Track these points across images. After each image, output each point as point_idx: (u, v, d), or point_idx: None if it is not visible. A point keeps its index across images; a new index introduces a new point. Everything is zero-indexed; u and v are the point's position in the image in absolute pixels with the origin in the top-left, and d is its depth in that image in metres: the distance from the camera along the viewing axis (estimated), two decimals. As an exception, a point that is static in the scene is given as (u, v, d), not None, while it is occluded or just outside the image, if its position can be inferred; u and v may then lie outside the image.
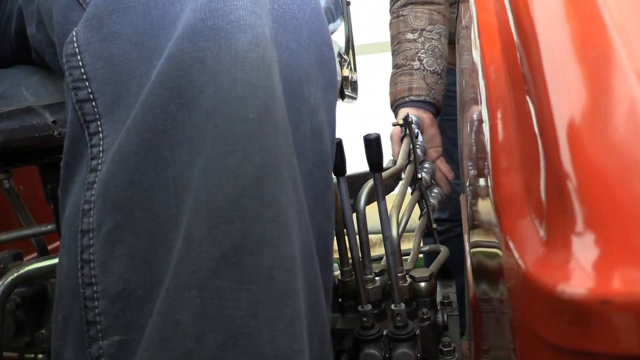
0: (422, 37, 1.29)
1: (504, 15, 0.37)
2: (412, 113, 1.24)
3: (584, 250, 0.21)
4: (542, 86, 0.29)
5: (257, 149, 0.37)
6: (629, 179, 0.21)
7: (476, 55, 0.40)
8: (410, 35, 1.30)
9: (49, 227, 0.82)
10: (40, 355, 0.82)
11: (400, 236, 0.95)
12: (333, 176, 0.77)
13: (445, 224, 1.75)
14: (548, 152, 0.27)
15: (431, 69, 1.27)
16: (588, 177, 0.23)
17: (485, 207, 0.37)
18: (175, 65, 0.40)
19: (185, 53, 0.40)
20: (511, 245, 0.27)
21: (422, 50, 1.28)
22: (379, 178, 0.72)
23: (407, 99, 1.27)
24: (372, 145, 0.70)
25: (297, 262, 0.38)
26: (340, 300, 0.91)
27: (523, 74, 0.32)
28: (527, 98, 0.31)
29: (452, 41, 1.56)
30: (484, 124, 0.35)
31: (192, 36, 0.40)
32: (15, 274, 0.67)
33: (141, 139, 0.40)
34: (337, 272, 0.96)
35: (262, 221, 0.36)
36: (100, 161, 0.42)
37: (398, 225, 0.85)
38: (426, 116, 1.28)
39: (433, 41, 1.29)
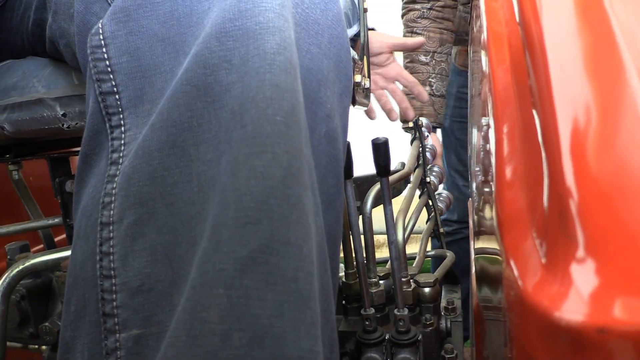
0: (434, 61, 1.39)
1: (514, 26, 0.36)
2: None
3: (584, 276, 0.20)
4: (549, 101, 0.28)
5: (284, 150, 0.37)
6: (634, 204, 0.20)
7: (485, 66, 0.39)
8: (423, 58, 1.40)
9: (57, 220, 0.82)
10: (43, 347, 0.82)
11: (406, 240, 0.94)
12: (340, 179, 0.77)
13: (453, 225, 1.75)
14: (552, 169, 0.26)
15: (439, 93, 1.40)
16: (591, 199, 0.22)
17: (489, 216, 0.37)
18: (202, 63, 0.40)
19: (212, 52, 0.40)
20: (512, 264, 0.26)
21: (433, 75, 1.39)
22: (386, 182, 0.72)
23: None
24: (380, 149, 0.69)
25: (315, 264, 0.39)
26: (343, 302, 0.90)
27: (530, 86, 0.31)
28: (534, 112, 0.30)
29: (464, 42, 1.56)
30: (490, 136, 0.35)
31: (220, 35, 0.40)
32: (21, 267, 0.67)
33: (166, 135, 0.40)
34: (342, 274, 0.96)
35: (287, 222, 0.36)
36: (121, 154, 0.43)
37: (404, 229, 0.85)
38: (434, 137, 1.37)
39: (442, 63, 1.40)
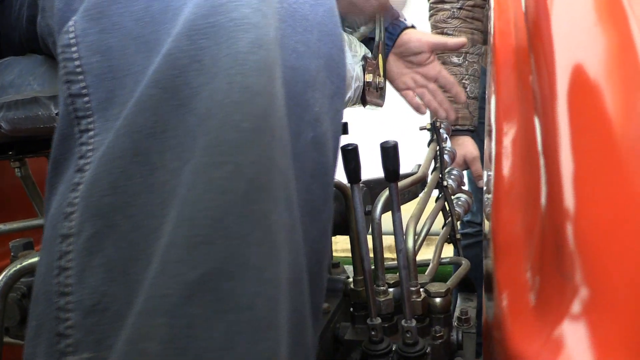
0: (466, 61, 1.35)
1: (522, 30, 0.32)
2: (457, 141, 1.31)
3: (573, 327, 0.17)
4: (552, 120, 0.25)
5: (249, 161, 0.34)
6: (633, 252, 0.17)
7: (491, 70, 0.36)
8: (455, 59, 1.35)
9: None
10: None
11: (419, 247, 0.91)
12: (346, 185, 0.74)
13: (477, 227, 1.70)
14: (551, 193, 0.23)
15: (473, 95, 1.36)
16: (592, 234, 0.19)
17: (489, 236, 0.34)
18: (171, 63, 0.37)
19: (183, 51, 0.37)
20: (502, 300, 0.23)
21: (467, 76, 1.35)
22: (395, 188, 0.68)
23: (452, 127, 1.31)
24: (389, 153, 0.66)
25: (282, 288, 0.35)
26: (351, 309, 0.87)
27: (534, 95, 0.28)
28: (536, 121, 0.27)
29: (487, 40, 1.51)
30: (492, 147, 0.31)
31: (192, 33, 0.37)
32: (18, 266, 0.66)
33: (130, 141, 0.38)
34: (351, 279, 0.93)
35: (247, 242, 0.33)
36: (88, 161, 0.40)
37: (415, 236, 0.81)
38: (470, 142, 1.35)
39: (474, 64, 1.36)
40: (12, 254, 0.81)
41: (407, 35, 1.04)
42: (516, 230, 0.25)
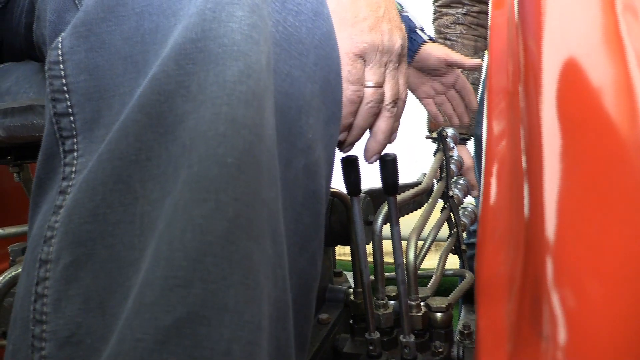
0: (467, 70, 1.30)
1: (516, 47, 0.31)
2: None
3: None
4: (538, 160, 0.23)
5: (231, 198, 0.32)
6: (625, 323, 0.16)
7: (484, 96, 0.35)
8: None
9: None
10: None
11: (421, 261, 0.89)
12: (347, 196, 0.72)
13: (483, 238, 1.68)
14: (531, 241, 0.22)
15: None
16: (571, 305, 0.17)
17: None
18: (157, 88, 0.36)
19: (169, 76, 0.36)
20: (481, 348, 0.22)
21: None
22: (393, 201, 0.67)
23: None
24: (388, 166, 0.64)
25: (263, 329, 0.34)
26: (351, 321, 0.86)
27: (522, 132, 0.26)
28: (523, 163, 0.25)
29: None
30: (481, 181, 0.30)
31: (180, 57, 0.36)
32: (14, 272, 0.66)
33: (111, 167, 0.37)
34: (352, 290, 0.92)
35: (226, 284, 0.32)
36: (70, 183, 0.39)
37: (417, 249, 0.80)
38: (465, 151, 1.33)
39: (475, 72, 1.33)
40: (10, 258, 0.81)
41: (425, 52, 1.03)
42: (499, 273, 0.24)
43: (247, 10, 0.36)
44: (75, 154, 0.40)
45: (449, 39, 1.34)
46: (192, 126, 0.34)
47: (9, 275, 0.65)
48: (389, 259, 1.95)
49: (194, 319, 0.31)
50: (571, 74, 0.26)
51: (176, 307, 0.31)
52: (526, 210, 0.23)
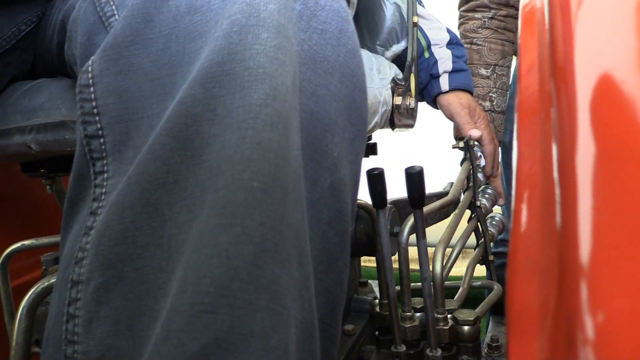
0: (495, 74, 1.30)
1: (546, 57, 0.30)
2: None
3: None
4: (572, 184, 0.23)
5: (257, 223, 0.32)
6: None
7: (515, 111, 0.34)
8: (483, 71, 1.31)
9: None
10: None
11: (447, 273, 0.88)
12: (373, 209, 0.72)
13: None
14: (565, 275, 0.21)
15: (499, 109, 1.31)
16: (604, 325, 0.17)
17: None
18: (185, 111, 0.36)
19: (196, 99, 0.36)
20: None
21: (494, 89, 1.30)
22: (420, 215, 0.66)
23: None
24: (414, 179, 0.64)
25: (290, 354, 0.34)
26: (377, 332, 0.86)
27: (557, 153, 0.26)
28: (556, 188, 0.25)
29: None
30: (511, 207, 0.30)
31: (206, 81, 0.36)
32: (46, 283, 0.68)
33: (140, 191, 0.37)
34: (377, 300, 0.91)
35: (253, 310, 0.32)
36: (101, 204, 0.40)
37: (443, 261, 0.79)
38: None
39: (503, 77, 1.31)
40: (43, 267, 0.83)
41: (439, 101, 1.09)
42: (531, 305, 0.23)
43: (273, 31, 0.36)
44: (105, 175, 0.40)
45: (476, 44, 1.32)
46: (218, 149, 0.34)
47: (42, 286, 0.66)
48: (413, 265, 1.94)
49: (221, 345, 0.31)
50: (606, 90, 0.25)
51: (203, 334, 0.31)
52: (559, 238, 0.23)
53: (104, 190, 0.40)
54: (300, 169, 0.37)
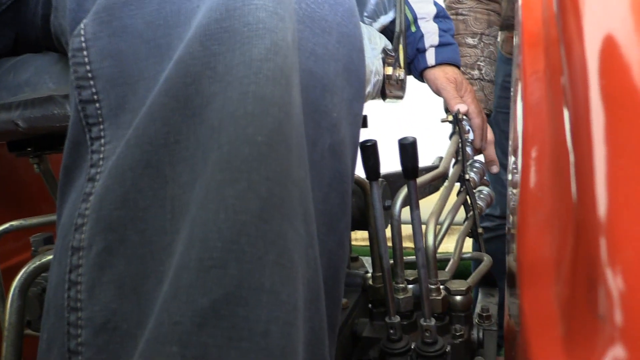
0: (482, 43, 1.30)
1: (552, 27, 0.30)
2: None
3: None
4: (586, 130, 0.23)
5: (263, 177, 0.32)
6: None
7: (518, 73, 0.34)
8: (470, 40, 1.31)
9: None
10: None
11: (439, 244, 0.89)
12: (366, 180, 0.72)
13: (495, 221, 1.67)
14: (583, 214, 0.21)
15: (488, 77, 1.30)
16: (625, 277, 0.17)
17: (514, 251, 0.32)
18: (184, 70, 0.36)
19: (195, 58, 0.35)
20: (529, 334, 0.22)
21: (482, 58, 1.30)
22: (413, 185, 0.67)
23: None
24: (407, 150, 0.64)
25: (299, 310, 0.34)
26: (370, 305, 0.86)
27: (567, 109, 0.26)
28: (567, 138, 0.25)
29: (512, 27, 1.47)
30: (517, 162, 0.30)
31: (205, 38, 0.35)
32: (37, 263, 0.67)
33: (140, 152, 0.36)
34: (370, 274, 0.92)
35: (262, 264, 0.31)
36: (99, 170, 0.39)
37: (435, 233, 0.80)
38: (488, 130, 1.27)
39: (490, 46, 1.31)
40: (32, 248, 0.82)
41: (426, 76, 1.09)
42: (544, 255, 0.23)
43: None
44: (102, 140, 0.40)
45: (461, 14, 1.32)
46: (219, 107, 0.34)
47: (33, 265, 0.65)
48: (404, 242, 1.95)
49: (231, 300, 0.31)
50: (615, 50, 0.26)
51: (213, 289, 0.31)
52: (574, 191, 0.23)
53: (101, 155, 0.39)
54: (302, 127, 0.36)
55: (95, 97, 0.40)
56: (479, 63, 1.29)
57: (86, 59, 0.40)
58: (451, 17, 1.34)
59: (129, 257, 0.36)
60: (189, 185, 0.35)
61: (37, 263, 0.67)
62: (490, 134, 1.25)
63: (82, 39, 0.40)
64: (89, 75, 0.40)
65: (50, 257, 0.69)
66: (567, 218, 0.23)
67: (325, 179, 0.41)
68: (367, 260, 1.15)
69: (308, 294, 0.35)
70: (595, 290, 0.19)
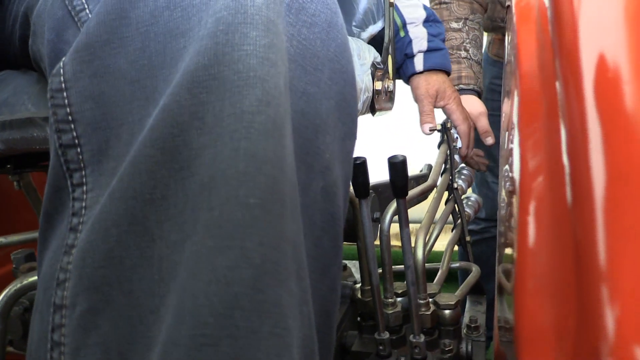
0: (467, 27, 1.30)
1: (546, 35, 0.29)
2: (464, 101, 1.24)
3: None
4: (588, 195, 0.22)
5: (256, 243, 0.31)
6: None
7: (514, 83, 0.33)
8: (454, 25, 1.31)
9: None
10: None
11: (427, 254, 0.88)
12: (356, 199, 0.71)
13: (481, 224, 1.68)
14: (589, 293, 0.21)
15: (476, 58, 1.30)
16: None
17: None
18: (170, 120, 0.34)
19: (182, 106, 0.33)
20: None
21: (467, 40, 1.30)
22: (403, 204, 0.66)
23: (456, 87, 1.26)
24: (397, 168, 0.63)
25: None
26: (359, 319, 0.86)
27: (561, 113, 0.25)
28: (568, 197, 0.24)
29: (498, 29, 1.47)
30: (515, 185, 0.29)
31: (192, 86, 0.33)
32: (19, 285, 0.65)
33: (125, 207, 0.35)
34: (358, 285, 0.92)
35: (257, 338, 0.30)
36: (81, 220, 0.37)
37: (424, 247, 0.79)
38: (474, 99, 1.27)
39: (475, 31, 1.32)
40: (13, 266, 0.80)
41: (412, 83, 1.09)
42: (544, 321, 0.23)
43: (262, 29, 0.34)
44: (85, 187, 0.38)
45: (444, 2, 1.32)
46: (209, 162, 0.32)
47: (14, 288, 0.64)
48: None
49: None
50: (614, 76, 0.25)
51: None
52: (577, 250, 0.22)
53: (83, 204, 0.38)
54: (294, 176, 0.35)
55: (76, 141, 0.38)
56: (465, 44, 1.29)
57: (66, 101, 0.38)
58: (435, 7, 1.34)
59: (114, 319, 0.35)
60: (177, 246, 0.33)
61: (19, 285, 0.66)
62: (481, 107, 1.24)
63: (62, 79, 0.38)
64: (69, 118, 0.38)
65: (32, 278, 0.67)
66: (568, 278, 0.23)
67: (317, 223, 0.40)
68: (354, 264, 1.15)
69: (302, 354, 0.34)
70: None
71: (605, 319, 0.19)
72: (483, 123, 1.21)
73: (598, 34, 0.28)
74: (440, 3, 1.33)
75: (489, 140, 1.22)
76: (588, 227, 0.22)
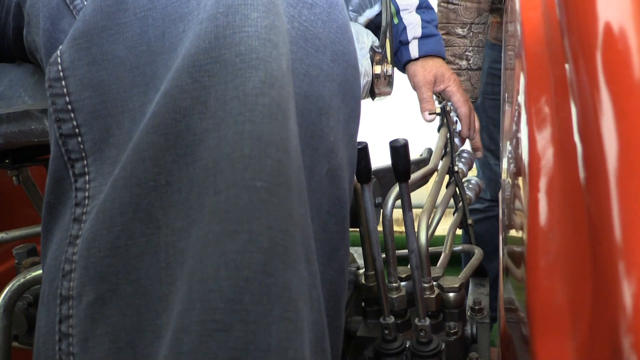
0: (471, 33, 1.33)
1: (552, 11, 0.29)
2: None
3: None
4: (603, 172, 0.22)
5: (265, 227, 0.30)
6: None
7: (518, 63, 0.33)
8: (460, 31, 1.33)
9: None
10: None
11: (430, 237, 0.88)
12: (358, 184, 0.71)
13: (485, 203, 1.69)
14: (606, 271, 0.20)
15: (476, 66, 1.33)
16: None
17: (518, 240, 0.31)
18: (172, 105, 0.33)
19: (184, 91, 0.33)
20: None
21: (470, 48, 1.33)
22: (405, 188, 0.66)
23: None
24: (399, 152, 0.63)
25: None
26: (363, 304, 0.86)
27: (571, 91, 0.25)
28: (581, 175, 0.24)
29: (497, 11, 1.46)
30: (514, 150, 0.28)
31: (194, 70, 0.33)
32: (22, 279, 0.65)
33: (129, 195, 0.34)
34: (362, 271, 0.92)
35: (268, 322, 0.30)
36: (85, 210, 0.37)
37: (427, 231, 0.79)
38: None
39: (479, 35, 1.33)
40: (15, 261, 0.79)
41: (408, 71, 1.08)
42: (557, 302, 0.23)
43: (263, 10, 0.33)
44: (87, 177, 0.37)
45: (452, 3, 1.31)
46: (213, 146, 0.32)
47: (18, 283, 0.63)
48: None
49: None
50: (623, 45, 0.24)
51: (217, 354, 0.29)
52: (592, 229, 0.22)
53: (86, 194, 0.37)
54: (300, 159, 0.34)
55: (76, 130, 0.38)
56: (467, 53, 1.31)
57: (65, 90, 0.37)
58: (442, 5, 1.34)
59: (122, 308, 0.34)
60: (184, 232, 0.33)
61: (22, 280, 0.65)
62: (476, 122, 1.25)
63: (59, 67, 0.37)
64: (69, 107, 0.37)
65: (35, 273, 0.67)
66: (582, 256, 0.22)
67: (323, 206, 0.40)
68: (356, 250, 1.15)
69: (313, 338, 0.34)
70: (619, 341, 0.18)
71: (622, 295, 0.19)
72: (476, 139, 1.22)
73: (609, 8, 0.27)
74: (447, 3, 1.34)
75: (479, 154, 1.24)
76: (603, 203, 0.22)
